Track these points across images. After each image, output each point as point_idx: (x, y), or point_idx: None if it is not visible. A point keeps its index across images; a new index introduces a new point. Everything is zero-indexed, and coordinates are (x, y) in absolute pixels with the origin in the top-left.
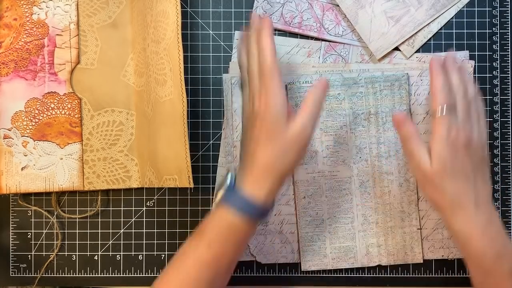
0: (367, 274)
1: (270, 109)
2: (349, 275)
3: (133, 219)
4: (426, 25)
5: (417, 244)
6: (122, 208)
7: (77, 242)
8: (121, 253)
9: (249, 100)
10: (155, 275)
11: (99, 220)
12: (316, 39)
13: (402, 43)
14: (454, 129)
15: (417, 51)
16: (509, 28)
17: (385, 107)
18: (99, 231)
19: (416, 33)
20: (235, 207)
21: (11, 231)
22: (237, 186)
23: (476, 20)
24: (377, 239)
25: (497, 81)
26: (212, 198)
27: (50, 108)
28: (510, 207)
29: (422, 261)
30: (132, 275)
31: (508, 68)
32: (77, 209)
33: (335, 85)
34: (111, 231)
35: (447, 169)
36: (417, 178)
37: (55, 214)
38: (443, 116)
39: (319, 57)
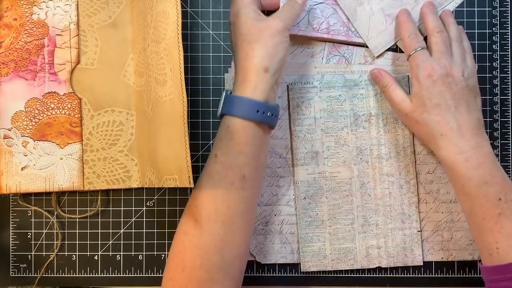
0: (367, 274)
1: (239, 13)
2: (349, 275)
3: (133, 219)
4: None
5: (417, 246)
6: (122, 208)
7: (77, 242)
8: (121, 253)
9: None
10: (155, 275)
11: (99, 220)
12: (347, 43)
13: (400, 40)
14: (428, 64)
15: None
16: (509, 28)
17: (386, 109)
18: (99, 231)
19: None
20: (233, 111)
21: (11, 231)
22: (232, 96)
23: (476, 20)
24: (377, 241)
25: (497, 81)
26: None
27: (50, 108)
28: None
29: (422, 264)
30: (132, 275)
31: (508, 68)
32: (77, 209)
33: (336, 87)
34: (111, 231)
35: (425, 103)
36: (401, 119)
37: (55, 214)
38: (413, 56)
39: (322, 58)
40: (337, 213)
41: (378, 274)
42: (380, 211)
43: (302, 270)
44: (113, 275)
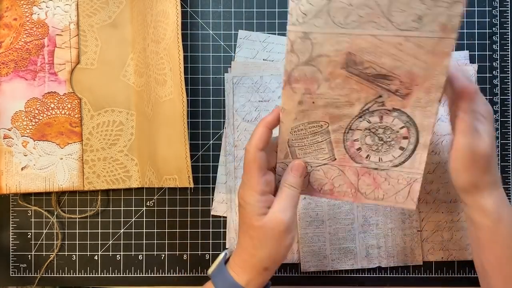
0: (367, 274)
1: (245, 202)
2: (349, 275)
3: (133, 219)
4: None
5: (417, 246)
6: (122, 208)
7: (77, 242)
8: (121, 253)
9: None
10: (155, 275)
11: (99, 220)
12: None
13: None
14: (471, 149)
15: None
16: (509, 28)
17: None
18: (99, 231)
19: None
20: (219, 286)
21: (11, 231)
22: (226, 266)
23: (476, 20)
24: (377, 241)
25: (497, 81)
26: (212, 198)
27: (50, 108)
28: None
29: (422, 263)
30: (132, 275)
31: (508, 68)
32: (77, 209)
33: None
34: (111, 231)
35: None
36: (460, 161)
37: (55, 214)
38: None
39: None
40: (337, 213)
41: (378, 274)
42: (380, 211)
43: (302, 270)
44: (113, 275)
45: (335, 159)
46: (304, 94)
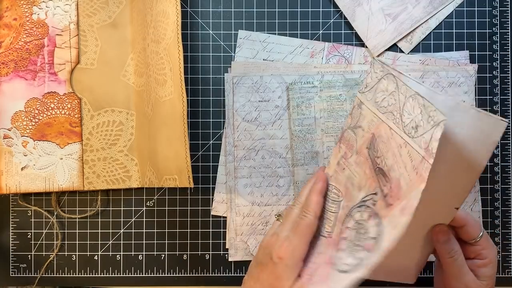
0: None
1: (285, 260)
2: None
3: (133, 219)
4: (424, 22)
5: None
6: (122, 208)
7: (77, 242)
8: (121, 253)
9: (273, 234)
10: (155, 275)
11: (99, 220)
12: None
13: (400, 40)
14: None
15: (416, 48)
16: (509, 28)
17: None
18: (99, 231)
19: (414, 30)
20: None
21: (11, 231)
22: None
23: (476, 20)
24: None
25: (497, 81)
26: (212, 198)
27: (50, 108)
28: (510, 207)
29: None
30: (132, 275)
31: (508, 68)
32: (77, 209)
33: (336, 86)
34: (111, 231)
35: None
36: None
37: (55, 214)
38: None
39: (322, 58)
40: None
41: None
42: None
43: None
44: (113, 275)
45: (332, 237)
46: (342, 157)
